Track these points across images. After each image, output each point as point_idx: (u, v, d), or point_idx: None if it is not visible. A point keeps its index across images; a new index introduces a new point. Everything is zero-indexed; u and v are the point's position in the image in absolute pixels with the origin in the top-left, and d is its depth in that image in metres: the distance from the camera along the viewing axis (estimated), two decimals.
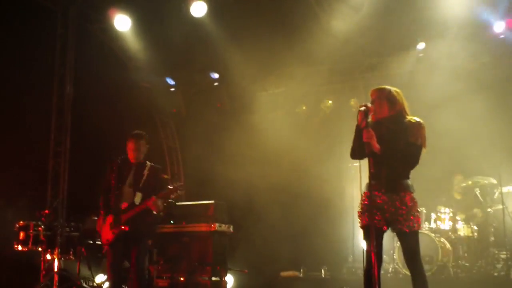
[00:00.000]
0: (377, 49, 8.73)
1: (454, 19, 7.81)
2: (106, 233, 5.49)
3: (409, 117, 4.15)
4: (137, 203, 5.44)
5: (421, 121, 4.12)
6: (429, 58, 8.55)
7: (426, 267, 4.11)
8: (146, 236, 5.55)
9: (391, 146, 4.05)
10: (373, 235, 3.82)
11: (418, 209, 4.12)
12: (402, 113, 4.17)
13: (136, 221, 5.40)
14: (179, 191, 5.43)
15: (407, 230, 4.04)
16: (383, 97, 4.15)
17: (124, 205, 5.47)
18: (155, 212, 5.45)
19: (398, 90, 4.24)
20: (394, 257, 7.26)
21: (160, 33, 9.04)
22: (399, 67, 8.70)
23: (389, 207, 4.07)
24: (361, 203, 4.19)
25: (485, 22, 8.12)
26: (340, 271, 8.17)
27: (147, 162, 5.68)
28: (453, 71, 7.96)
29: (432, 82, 8.10)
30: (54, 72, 9.32)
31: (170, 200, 6.66)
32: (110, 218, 5.49)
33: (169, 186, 5.44)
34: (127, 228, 5.38)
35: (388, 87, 4.23)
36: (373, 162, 4.03)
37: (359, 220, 4.17)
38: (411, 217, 4.04)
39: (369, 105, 4.09)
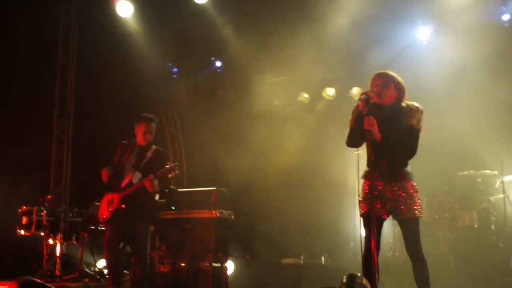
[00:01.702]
0: (381, 38, 8.68)
1: (460, 6, 7.77)
2: (103, 211, 5.53)
3: (409, 102, 4.15)
4: (134, 182, 5.46)
5: (419, 105, 4.12)
6: (432, 48, 8.51)
7: (426, 255, 4.12)
8: (144, 220, 5.53)
9: (391, 134, 4.05)
10: (374, 223, 3.84)
11: (419, 197, 4.13)
12: (403, 99, 4.16)
13: (133, 200, 5.41)
14: (176, 170, 5.42)
15: (408, 217, 4.06)
16: (390, 83, 4.12)
17: (123, 184, 5.50)
18: (151, 192, 5.41)
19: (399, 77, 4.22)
20: (394, 244, 7.29)
21: (162, 20, 9.01)
22: (402, 56, 8.66)
23: (390, 195, 4.08)
24: (361, 191, 4.19)
25: (492, 10, 8.07)
26: (341, 258, 8.21)
27: (152, 145, 5.69)
28: (457, 61, 7.91)
29: (435, 73, 8.06)
30: (57, 59, 9.34)
31: (171, 187, 6.69)
32: (108, 197, 5.53)
33: (166, 166, 5.43)
34: (123, 207, 5.41)
35: (392, 72, 4.20)
36: (373, 150, 4.04)
37: (359, 208, 4.18)
38: (412, 205, 4.06)
39: (370, 93, 4.07)
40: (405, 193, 4.06)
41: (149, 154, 5.60)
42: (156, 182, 5.37)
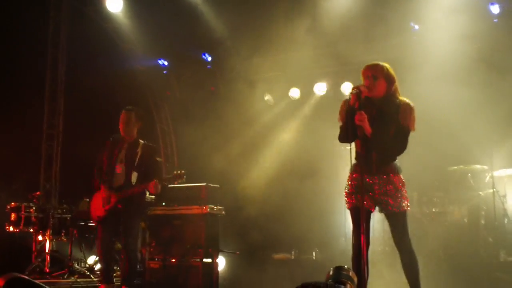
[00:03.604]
0: (372, 33, 8.68)
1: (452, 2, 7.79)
2: (98, 210, 5.48)
3: (400, 98, 4.12)
4: (133, 183, 5.43)
5: (411, 103, 4.10)
6: (423, 43, 8.52)
7: (416, 249, 4.12)
8: (138, 217, 5.55)
9: (382, 129, 4.04)
10: (363, 217, 3.82)
11: (406, 190, 4.11)
12: (395, 93, 4.14)
13: (131, 200, 5.40)
14: (184, 178, 5.46)
15: (396, 211, 4.06)
16: (381, 75, 4.08)
17: (117, 183, 5.46)
18: (153, 193, 5.47)
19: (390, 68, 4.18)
20: (384, 238, 7.31)
21: (153, 15, 8.97)
22: (393, 51, 8.66)
23: (377, 188, 4.08)
24: (348, 185, 4.18)
25: (481, 4, 8.09)
26: (332, 253, 8.21)
27: (140, 140, 5.65)
28: (447, 56, 7.93)
29: (426, 67, 8.07)
30: (47, 54, 9.27)
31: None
32: (102, 195, 5.48)
33: (175, 172, 5.50)
34: (120, 206, 5.38)
35: (382, 63, 4.15)
36: (362, 144, 4.02)
37: (346, 202, 4.17)
38: (399, 198, 4.06)
39: (362, 88, 4.05)
40: (392, 186, 4.06)
41: (139, 150, 5.56)
42: (160, 186, 5.40)
